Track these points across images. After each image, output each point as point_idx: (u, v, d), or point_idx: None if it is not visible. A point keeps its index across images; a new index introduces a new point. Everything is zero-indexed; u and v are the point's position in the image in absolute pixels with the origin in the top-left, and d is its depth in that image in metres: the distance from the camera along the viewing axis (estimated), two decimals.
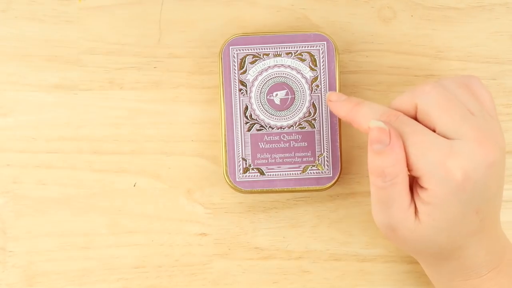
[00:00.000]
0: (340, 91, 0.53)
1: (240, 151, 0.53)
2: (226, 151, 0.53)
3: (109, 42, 0.55)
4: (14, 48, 0.55)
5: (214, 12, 0.55)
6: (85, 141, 0.55)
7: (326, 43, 0.53)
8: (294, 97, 0.53)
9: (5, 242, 0.54)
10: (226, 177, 0.53)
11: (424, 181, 0.45)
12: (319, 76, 0.53)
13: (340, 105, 0.50)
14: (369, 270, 0.55)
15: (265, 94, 0.53)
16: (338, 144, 0.53)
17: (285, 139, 0.53)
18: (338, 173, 0.53)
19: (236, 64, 0.53)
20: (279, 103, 0.53)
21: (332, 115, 0.53)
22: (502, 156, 0.46)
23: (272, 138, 0.53)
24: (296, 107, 0.53)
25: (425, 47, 0.55)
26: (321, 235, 0.55)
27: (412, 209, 0.46)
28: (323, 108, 0.53)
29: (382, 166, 0.45)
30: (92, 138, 0.55)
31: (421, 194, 0.46)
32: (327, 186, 0.53)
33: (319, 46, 0.53)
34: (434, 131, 0.46)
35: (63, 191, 0.54)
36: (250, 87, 0.53)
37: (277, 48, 0.53)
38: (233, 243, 0.55)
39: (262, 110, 0.53)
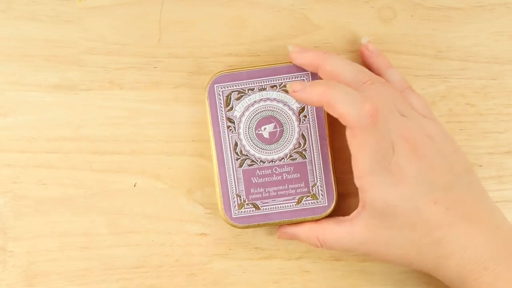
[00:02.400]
0: (328, 117, 0.53)
1: (234, 188, 0.52)
2: (220, 189, 0.52)
3: (109, 42, 0.55)
4: (14, 48, 0.55)
5: (214, 12, 0.55)
6: (85, 141, 0.55)
7: (310, 72, 0.53)
8: (283, 130, 0.53)
9: (5, 242, 0.54)
10: (222, 214, 0.52)
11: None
12: (306, 106, 0.53)
13: (309, 91, 0.48)
14: (369, 270, 0.55)
15: (254, 129, 0.53)
16: (331, 172, 0.52)
17: (277, 172, 0.53)
18: (334, 202, 0.52)
19: (222, 102, 0.53)
20: (268, 137, 0.53)
21: (322, 144, 0.52)
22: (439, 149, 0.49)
23: (264, 172, 0.53)
24: (286, 139, 0.53)
25: (425, 47, 0.55)
26: None
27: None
28: (313, 138, 0.53)
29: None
30: (92, 138, 0.55)
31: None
32: (323, 216, 0.52)
33: (304, 76, 0.53)
34: None
35: (63, 191, 0.54)
36: (238, 123, 0.53)
37: (261, 82, 0.53)
38: (233, 243, 0.55)
39: (252, 145, 0.53)
